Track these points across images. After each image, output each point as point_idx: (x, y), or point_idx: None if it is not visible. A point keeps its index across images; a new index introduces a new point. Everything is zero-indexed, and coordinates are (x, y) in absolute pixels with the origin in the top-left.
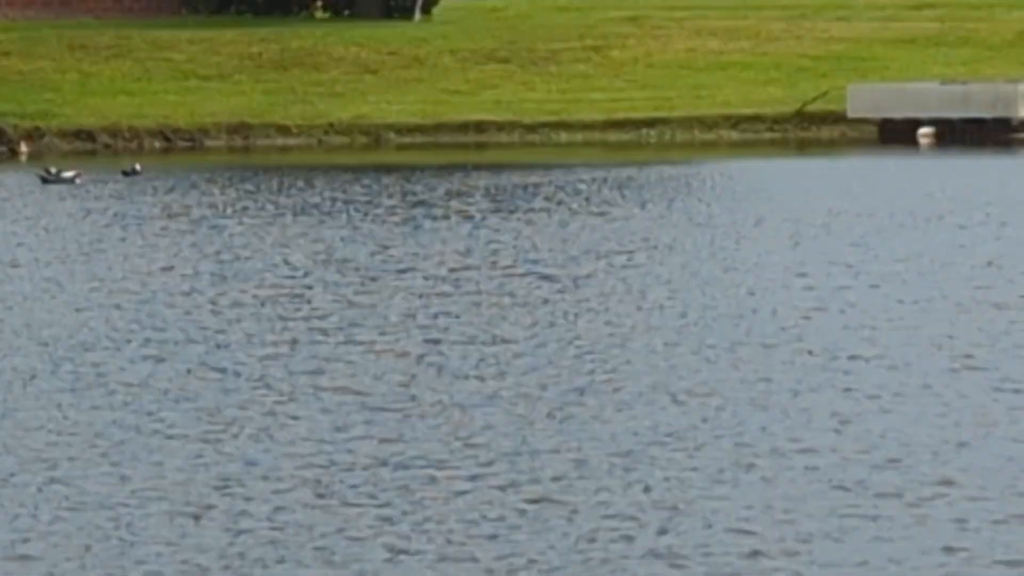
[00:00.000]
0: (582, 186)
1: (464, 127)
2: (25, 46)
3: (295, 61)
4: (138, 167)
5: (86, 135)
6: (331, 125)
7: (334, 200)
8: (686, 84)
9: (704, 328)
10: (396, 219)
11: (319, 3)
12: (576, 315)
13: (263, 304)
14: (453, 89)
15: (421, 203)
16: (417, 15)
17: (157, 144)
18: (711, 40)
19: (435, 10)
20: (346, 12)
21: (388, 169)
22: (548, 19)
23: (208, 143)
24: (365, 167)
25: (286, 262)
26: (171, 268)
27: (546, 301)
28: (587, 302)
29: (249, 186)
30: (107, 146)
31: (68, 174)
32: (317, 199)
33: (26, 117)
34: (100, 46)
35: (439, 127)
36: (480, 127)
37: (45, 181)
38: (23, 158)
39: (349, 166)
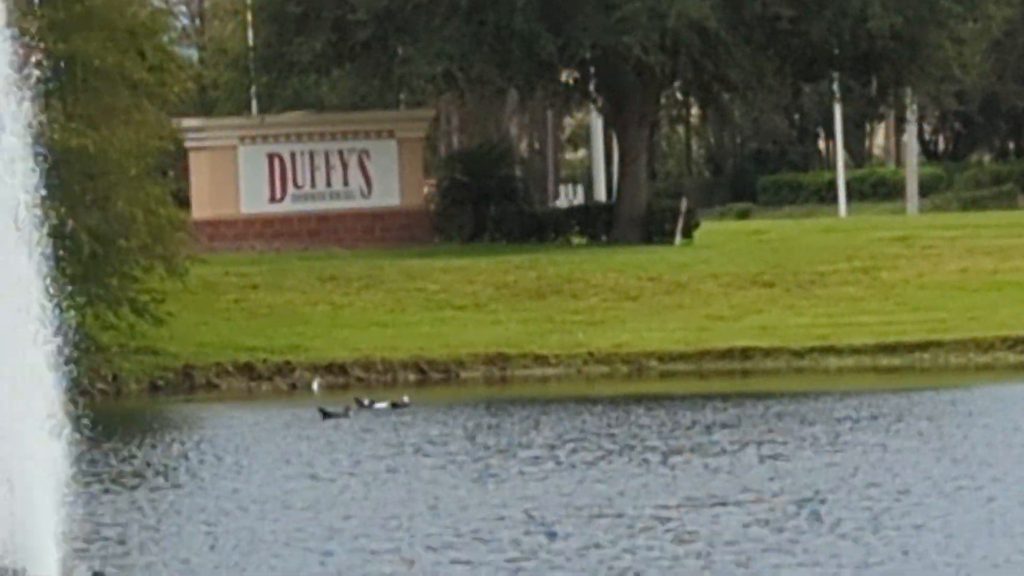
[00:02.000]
0: (845, 414)
1: (729, 354)
2: (274, 279)
3: (552, 289)
4: (407, 399)
5: (338, 368)
6: (591, 354)
7: (586, 434)
8: (959, 305)
9: None
10: (646, 453)
11: (576, 229)
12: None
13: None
14: (716, 315)
15: (674, 435)
16: (677, 239)
17: (411, 376)
18: (985, 259)
19: (696, 234)
20: (604, 238)
21: (649, 399)
22: (813, 241)
23: (463, 374)
24: (624, 397)
25: (503, 516)
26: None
27: (762, 541)
28: (820, 541)
29: (504, 419)
30: (359, 379)
31: (380, 405)
32: (569, 432)
33: (275, 351)
34: (351, 277)
35: (702, 354)
36: (745, 353)
37: (326, 416)
38: (315, 392)
39: (609, 396)
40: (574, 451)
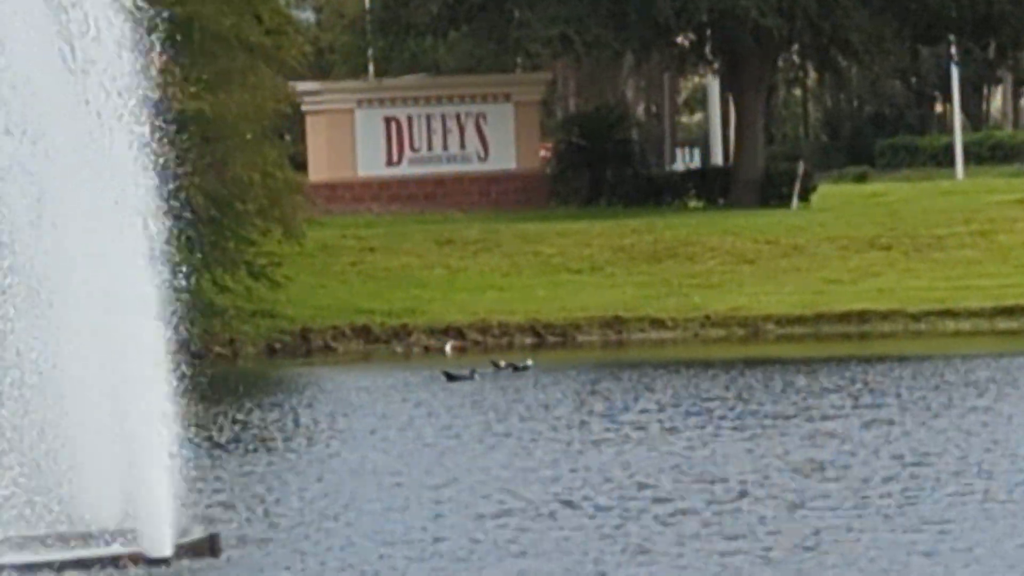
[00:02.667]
0: (961, 377)
1: (845, 317)
2: (391, 242)
3: (669, 252)
4: (529, 363)
5: (454, 332)
6: (707, 317)
7: (698, 397)
8: None
9: None
10: (756, 417)
11: (692, 192)
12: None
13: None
14: (833, 278)
15: (786, 399)
16: (794, 203)
17: (527, 340)
18: None
19: (813, 197)
20: (720, 201)
21: (764, 363)
22: (931, 204)
23: (579, 338)
24: (740, 361)
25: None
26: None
27: (867, 507)
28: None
29: (619, 383)
30: (476, 343)
31: (522, 364)
32: (682, 396)
33: (392, 314)
34: (467, 240)
35: (819, 317)
36: (862, 317)
37: (450, 379)
38: (449, 355)
39: (724, 360)
40: (686, 415)
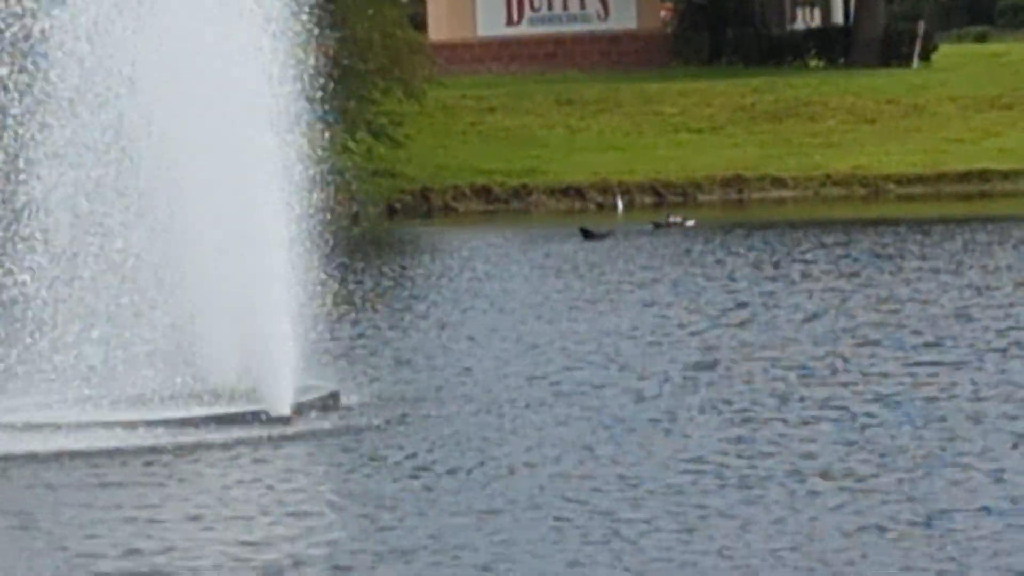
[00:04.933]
0: None
1: (966, 176)
2: (511, 101)
3: (790, 112)
4: (672, 219)
5: (575, 192)
6: (828, 177)
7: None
8: None
9: None
10: (844, 280)
11: (813, 52)
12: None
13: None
14: (954, 138)
15: (879, 258)
16: (915, 62)
17: (648, 200)
18: None
19: (934, 57)
20: (841, 60)
21: (880, 223)
22: None
23: (700, 197)
24: (860, 221)
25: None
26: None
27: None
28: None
29: (750, 242)
30: (598, 204)
31: (690, 223)
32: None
33: (512, 174)
34: (588, 100)
35: (940, 177)
36: (983, 176)
37: (588, 236)
38: (620, 212)
39: (843, 220)
40: (789, 283)
